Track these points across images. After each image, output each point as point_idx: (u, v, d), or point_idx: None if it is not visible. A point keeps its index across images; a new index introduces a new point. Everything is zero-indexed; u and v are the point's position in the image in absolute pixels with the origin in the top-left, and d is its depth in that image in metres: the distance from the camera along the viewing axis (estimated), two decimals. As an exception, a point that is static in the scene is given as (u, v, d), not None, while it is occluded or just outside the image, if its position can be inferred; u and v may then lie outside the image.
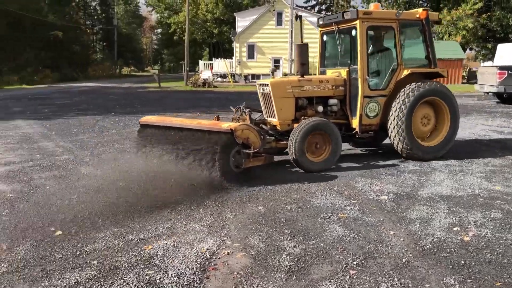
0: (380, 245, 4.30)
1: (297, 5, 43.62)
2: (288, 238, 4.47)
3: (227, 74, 39.56)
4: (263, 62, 39.16)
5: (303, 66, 7.88)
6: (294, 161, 7.07)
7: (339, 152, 7.35)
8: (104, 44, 74.03)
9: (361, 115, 7.69)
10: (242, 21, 41.72)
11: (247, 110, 7.58)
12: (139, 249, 4.20)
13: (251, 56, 41.04)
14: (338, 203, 5.60)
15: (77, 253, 4.10)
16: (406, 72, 7.76)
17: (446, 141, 7.99)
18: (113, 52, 67.96)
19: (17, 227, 4.74)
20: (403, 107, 7.52)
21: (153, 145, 6.68)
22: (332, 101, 7.87)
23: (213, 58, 48.20)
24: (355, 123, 7.81)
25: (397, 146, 7.75)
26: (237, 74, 40.79)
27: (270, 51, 39.82)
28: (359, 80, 7.59)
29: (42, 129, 12.11)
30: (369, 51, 7.83)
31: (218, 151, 6.02)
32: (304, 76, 7.78)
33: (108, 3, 70.95)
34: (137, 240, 4.41)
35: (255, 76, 38.47)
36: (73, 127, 12.41)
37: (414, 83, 7.68)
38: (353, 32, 7.72)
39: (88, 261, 3.94)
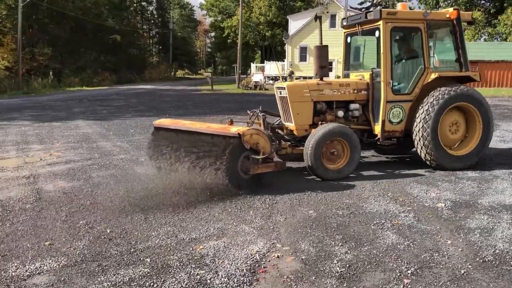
0: (437, 254, 4.12)
1: (351, 7, 42.98)
2: (340, 244, 4.38)
3: (279, 76, 39.58)
4: (315, 65, 38.88)
5: (323, 69, 7.48)
6: (309, 169, 6.79)
7: (358, 160, 7.02)
8: (160, 47, 76.23)
9: (383, 121, 7.28)
10: (294, 24, 41.65)
11: (262, 114, 7.38)
12: (191, 249, 4.26)
13: (303, 58, 40.87)
14: (392, 209, 5.44)
15: (131, 250, 4.22)
16: (433, 76, 7.27)
17: (477, 150, 7.41)
18: (169, 55, 69.87)
19: (76, 222, 4.95)
20: (428, 114, 7.06)
21: (166, 148, 6.57)
22: (353, 106, 7.50)
23: (265, 60, 48.41)
24: (377, 129, 7.40)
25: (423, 155, 7.28)
26: (288, 76, 40.72)
27: (323, 54, 39.43)
28: (382, 84, 7.22)
29: (101, 129, 12.62)
30: (394, 53, 7.49)
31: (225, 155, 5.85)
32: (324, 79, 7.45)
33: (165, 7, 73.04)
34: (188, 240, 4.48)
35: (307, 78, 38.28)
36: (130, 128, 12.84)
37: (442, 88, 7.18)
38: (377, 33, 7.36)
39: (141, 259, 4.04)
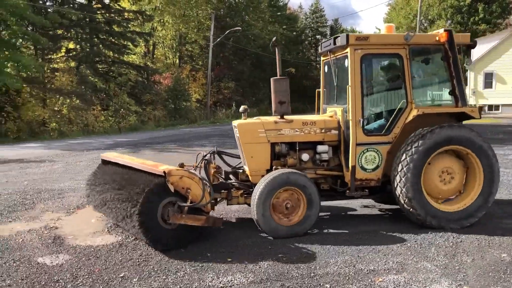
0: None
1: (548, 26, 37.90)
2: (542, 295, 3.87)
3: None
4: (503, 92, 35.15)
5: (282, 105, 6.30)
6: (257, 224, 5.68)
7: (317, 214, 5.76)
8: (332, 78, 77.86)
9: (353, 167, 6.04)
10: (478, 48, 38.39)
11: (204, 158, 6.24)
12: (369, 280, 4.24)
13: (488, 85, 37.23)
14: None
15: (311, 275, 4.38)
16: (415, 113, 5.94)
17: (476, 206, 5.88)
18: (340, 85, 70.82)
19: (262, 243, 5.36)
20: (408, 159, 5.71)
21: (100, 182, 6.09)
22: (321, 148, 6.30)
23: (443, 88, 45.48)
24: (347, 176, 6.15)
25: (404, 210, 5.92)
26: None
27: (512, 80, 35.46)
28: (350, 122, 6.02)
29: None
30: (369, 85, 6.35)
31: (143, 196, 4.97)
32: (285, 117, 6.34)
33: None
34: (367, 271, 4.46)
35: (493, 107, 34.86)
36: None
37: (427, 128, 5.83)
38: (346, 62, 6.16)
39: (321, 284, 4.17)
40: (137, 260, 4.84)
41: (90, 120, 26.59)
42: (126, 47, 31.28)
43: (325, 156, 6.30)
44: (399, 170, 5.77)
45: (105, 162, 6.51)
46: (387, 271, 4.46)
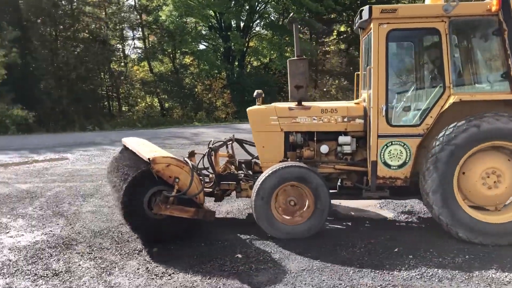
0: None
1: None
2: None
3: None
4: None
5: (299, 90, 5.52)
6: (256, 220, 5.11)
7: (326, 212, 5.03)
8: None
9: (374, 163, 5.13)
10: None
11: (209, 147, 5.77)
12: None
13: None
14: None
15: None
16: (451, 100, 4.74)
17: None
18: None
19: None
20: (437, 155, 4.67)
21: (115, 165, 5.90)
22: (343, 139, 5.48)
23: None
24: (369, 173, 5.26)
25: (434, 216, 4.86)
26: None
27: None
28: (372, 110, 5.09)
29: None
30: (398, 67, 5.73)
31: (128, 183, 4.73)
32: (302, 104, 5.57)
33: None
34: None
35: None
36: None
37: (465, 119, 4.66)
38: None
39: None
40: (412, 240, 4.99)
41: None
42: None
43: (347, 149, 5.52)
44: (427, 170, 4.82)
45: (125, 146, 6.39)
46: None
